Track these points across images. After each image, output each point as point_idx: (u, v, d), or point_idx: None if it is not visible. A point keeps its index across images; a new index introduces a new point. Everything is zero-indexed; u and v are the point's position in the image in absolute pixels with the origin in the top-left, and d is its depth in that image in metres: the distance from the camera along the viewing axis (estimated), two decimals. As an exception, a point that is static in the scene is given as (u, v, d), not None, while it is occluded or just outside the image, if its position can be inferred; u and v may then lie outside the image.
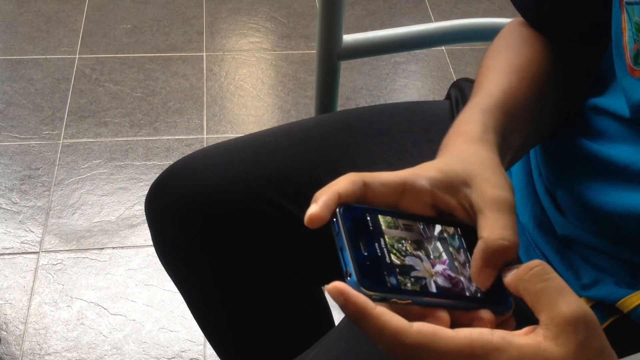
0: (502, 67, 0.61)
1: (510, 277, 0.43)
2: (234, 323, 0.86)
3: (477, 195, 0.46)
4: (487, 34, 0.99)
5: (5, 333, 1.34)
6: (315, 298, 0.90)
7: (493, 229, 0.44)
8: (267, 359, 0.88)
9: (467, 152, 0.49)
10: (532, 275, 0.41)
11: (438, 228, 0.46)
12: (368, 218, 0.43)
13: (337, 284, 0.39)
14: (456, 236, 0.46)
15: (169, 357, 1.33)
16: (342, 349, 0.66)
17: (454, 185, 0.46)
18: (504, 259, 0.44)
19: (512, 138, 0.55)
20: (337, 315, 0.91)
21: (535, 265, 0.42)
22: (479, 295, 0.44)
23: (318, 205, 0.42)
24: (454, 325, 0.41)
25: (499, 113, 0.55)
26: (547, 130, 0.63)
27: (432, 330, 0.39)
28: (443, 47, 2.02)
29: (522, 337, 0.40)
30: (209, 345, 1.31)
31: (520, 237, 0.65)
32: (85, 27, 2.03)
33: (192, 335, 1.35)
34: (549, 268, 0.42)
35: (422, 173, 0.46)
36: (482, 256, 0.44)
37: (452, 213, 0.47)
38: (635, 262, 0.58)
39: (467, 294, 0.43)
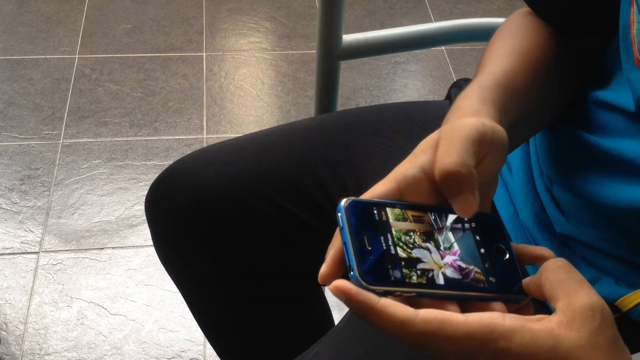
0: (505, 50, 0.61)
1: (530, 277, 0.44)
2: (234, 323, 0.86)
3: (439, 137, 0.46)
4: (487, 34, 0.99)
5: (5, 333, 1.34)
6: (315, 298, 0.90)
7: (437, 159, 0.44)
8: (267, 359, 0.88)
9: None
10: (557, 267, 0.42)
11: (450, 218, 0.45)
12: (375, 211, 0.43)
13: (338, 283, 0.39)
14: (471, 227, 0.46)
15: (169, 357, 1.33)
16: (342, 348, 0.66)
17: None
18: (459, 184, 0.43)
19: (512, 113, 0.55)
20: (337, 315, 0.91)
21: (561, 260, 0.43)
22: (492, 285, 0.43)
23: (326, 264, 0.42)
24: None
25: (498, 89, 0.55)
26: (550, 116, 0.63)
27: (440, 317, 0.39)
28: (443, 47, 2.02)
29: (534, 323, 0.40)
30: (209, 345, 1.31)
31: (520, 235, 0.65)
32: (85, 27, 2.04)
33: (192, 335, 1.36)
34: (572, 265, 0.43)
35: (409, 164, 0.46)
36: (442, 188, 0.44)
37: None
38: (634, 261, 0.58)
39: (480, 284, 0.43)
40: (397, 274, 0.41)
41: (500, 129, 0.47)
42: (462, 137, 0.44)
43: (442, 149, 0.45)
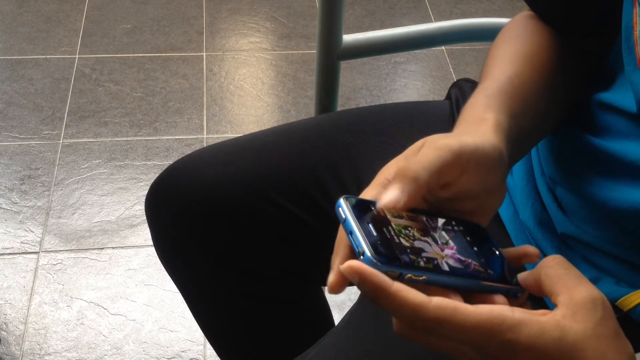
0: (510, 55, 0.61)
1: (527, 272, 0.45)
2: (234, 323, 0.86)
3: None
4: (487, 34, 0.99)
5: (5, 333, 1.34)
6: (315, 298, 0.90)
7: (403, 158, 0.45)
8: (267, 359, 0.88)
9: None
10: (555, 263, 0.43)
11: (440, 221, 0.46)
12: (372, 208, 0.43)
13: (352, 263, 0.39)
14: (460, 230, 0.47)
15: (169, 357, 1.33)
16: (342, 348, 0.66)
17: None
18: (413, 181, 0.44)
19: (520, 120, 0.55)
20: (337, 315, 0.91)
21: (558, 257, 0.44)
22: (492, 277, 0.44)
23: (334, 272, 0.42)
24: None
25: (504, 96, 0.55)
26: (556, 120, 0.63)
27: (452, 305, 0.39)
28: (443, 47, 2.02)
29: (541, 316, 0.40)
30: (209, 345, 1.31)
31: (521, 235, 0.65)
32: (85, 27, 2.04)
33: (192, 335, 1.36)
34: (569, 262, 0.44)
35: (392, 168, 0.47)
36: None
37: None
38: (636, 262, 0.58)
39: (482, 275, 0.44)
40: (406, 258, 0.41)
41: (485, 147, 0.47)
42: (437, 147, 0.45)
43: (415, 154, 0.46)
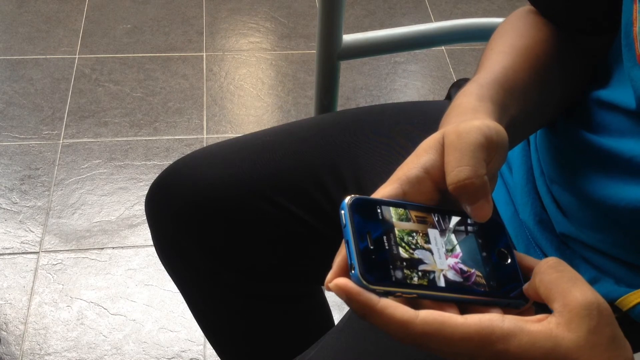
0: (506, 47, 0.61)
1: (528, 282, 0.44)
2: (233, 322, 0.86)
3: (445, 142, 0.46)
4: (487, 34, 0.99)
5: (5, 333, 1.34)
6: (315, 297, 0.90)
7: (448, 172, 0.44)
8: (267, 359, 0.88)
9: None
10: (548, 267, 0.42)
11: (454, 220, 0.45)
12: (379, 210, 0.43)
13: (339, 282, 0.40)
14: (473, 230, 0.46)
15: (169, 357, 1.33)
16: (342, 347, 0.66)
17: (440, 152, 0.46)
18: (474, 194, 0.44)
19: (511, 110, 0.54)
20: (337, 315, 0.91)
21: (551, 259, 0.43)
22: (492, 289, 0.43)
23: (333, 271, 0.42)
24: None
25: (497, 86, 0.55)
26: (551, 114, 0.63)
27: (440, 318, 0.39)
28: (443, 47, 2.02)
29: (534, 324, 0.40)
30: (209, 345, 1.31)
31: (521, 234, 0.65)
32: (85, 27, 2.04)
33: (192, 335, 1.36)
34: (563, 262, 0.43)
35: (412, 164, 0.46)
36: (458, 199, 0.44)
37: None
38: (634, 262, 0.58)
39: (480, 288, 0.43)
40: (399, 274, 0.40)
41: (501, 130, 0.47)
42: (470, 145, 0.44)
43: (452, 157, 0.44)
